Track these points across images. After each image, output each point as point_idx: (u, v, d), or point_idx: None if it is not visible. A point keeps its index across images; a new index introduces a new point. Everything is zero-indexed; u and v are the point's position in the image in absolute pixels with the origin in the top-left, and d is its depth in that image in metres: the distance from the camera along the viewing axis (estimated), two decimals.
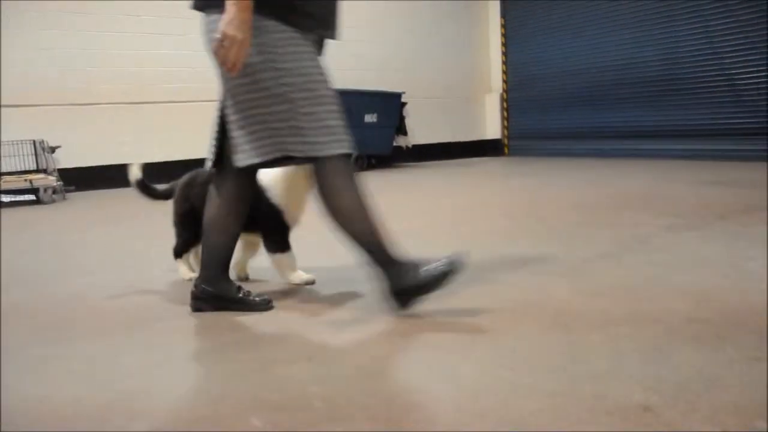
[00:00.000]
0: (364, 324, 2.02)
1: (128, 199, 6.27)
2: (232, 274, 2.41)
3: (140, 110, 7.75)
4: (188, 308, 2.19)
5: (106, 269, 3.12)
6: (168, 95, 7.93)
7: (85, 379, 1.65)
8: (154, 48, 7.83)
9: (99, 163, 7.49)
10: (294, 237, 2.48)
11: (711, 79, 7.95)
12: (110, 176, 7.39)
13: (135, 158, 7.23)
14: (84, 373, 1.70)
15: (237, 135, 2.02)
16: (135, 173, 2.60)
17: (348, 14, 9.22)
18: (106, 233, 4.34)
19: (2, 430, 1.36)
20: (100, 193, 7.09)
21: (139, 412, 1.43)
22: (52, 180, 6.63)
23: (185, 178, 2.62)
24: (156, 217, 4.87)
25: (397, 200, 5.38)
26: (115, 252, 3.62)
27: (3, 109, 6.95)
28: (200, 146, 8.22)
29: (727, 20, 7.69)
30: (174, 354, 1.86)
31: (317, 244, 2.91)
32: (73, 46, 7.35)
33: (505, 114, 11.05)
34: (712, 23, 7.85)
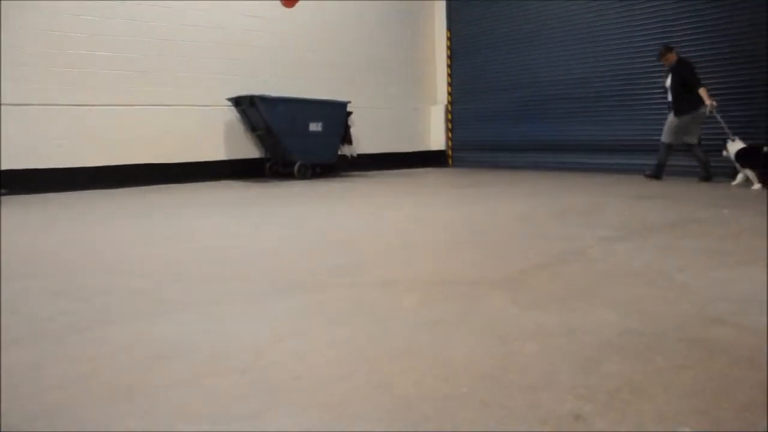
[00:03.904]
0: None
1: (64, 203, 6.10)
2: None
3: (80, 112, 7.50)
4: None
5: (36, 275, 2.97)
6: (111, 98, 7.71)
7: (6, 391, 1.56)
8: (99, 49, 7.60)
9: (36, 166, 7.23)
10: None
11: (645, 96, 8.26)
12: (47, 180, 7.20)
13: (72, 161, 7.25)
14: (5, 384, 1.61)
15: None
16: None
17: (294, 23, 9.29)
18: (38, 238, 4.16)
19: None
20: (36, 197, 6.79)
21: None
22: None
23: None
24: (89, 223, 4.72)
25: (338, 210, 5.36)
26: (46, 258, 3.46)
27: None
28: (142, 150, 8.14)
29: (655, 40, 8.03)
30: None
31: None
32: (8, 43, 7.06)
33: (450, 126, 11.19)
34: (640, 43, 8.18)
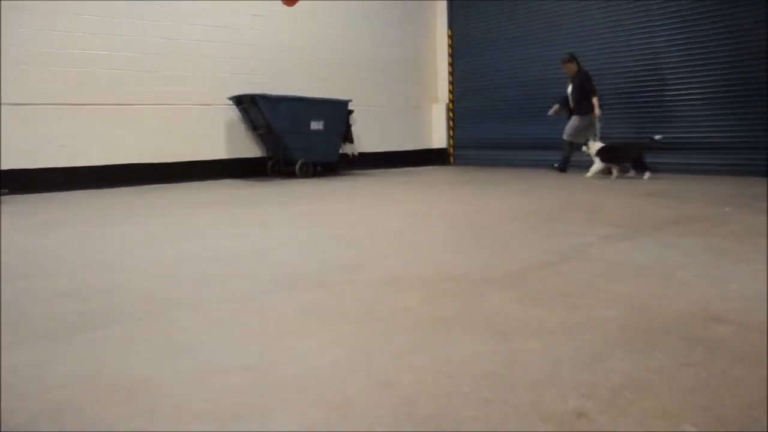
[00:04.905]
0: None
1: (66, 203, 6.11)
2: None
3: (82, 112, 7.50)
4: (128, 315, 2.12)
5: (38, 275, 2.98)
6: (112, 97, 7.71)
7: (8, 391, 1.57)
8: (99, 49, 7.60)
9: (38, 165, 7.24)
10: None
11: (646, 93, 8.25)
12: (49, 179, 7.20)
13: (74, 161, 7.26)
14: (9, 384, 1.61)
15: None
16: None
17: (296, 22, 9.30)
18: (40, 237, 4.17)
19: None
20: (38, 197, 6.80)
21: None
22: None
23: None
24: (92, 222, 4.72)
25: (340, 208, 5.37)
26: (49, 258, 3.47)
27: None
28: (143, 149, 8.14)
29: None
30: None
31: None
32: (8, 43, 7.05)
33: (451, 124, 11.19)
34: (640, 41, 8.17)
